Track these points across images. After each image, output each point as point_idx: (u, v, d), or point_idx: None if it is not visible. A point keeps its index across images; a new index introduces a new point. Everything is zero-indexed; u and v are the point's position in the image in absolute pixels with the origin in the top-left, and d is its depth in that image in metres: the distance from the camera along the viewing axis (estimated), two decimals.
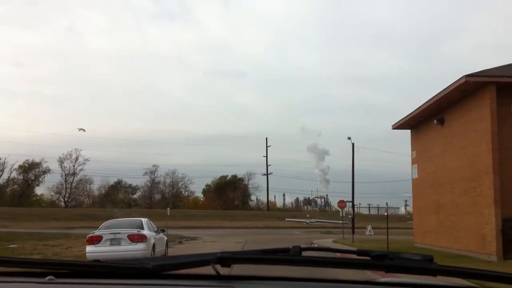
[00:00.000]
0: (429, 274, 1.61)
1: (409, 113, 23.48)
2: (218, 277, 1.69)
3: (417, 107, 22.51)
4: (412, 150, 25.26)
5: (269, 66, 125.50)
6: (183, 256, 1.76)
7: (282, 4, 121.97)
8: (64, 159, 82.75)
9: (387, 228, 21.97)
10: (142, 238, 15.60)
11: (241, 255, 1.71)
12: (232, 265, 1.65)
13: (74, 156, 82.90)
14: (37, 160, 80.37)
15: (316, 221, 72.48)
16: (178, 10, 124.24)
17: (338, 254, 2.03)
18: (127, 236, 15.58)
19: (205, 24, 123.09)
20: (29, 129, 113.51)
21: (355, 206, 52.76)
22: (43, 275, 1.67)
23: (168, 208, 35.36)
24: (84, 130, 78.46)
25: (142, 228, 16.39)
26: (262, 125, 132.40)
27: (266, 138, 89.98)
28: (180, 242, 31.60)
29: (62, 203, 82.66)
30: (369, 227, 46.06)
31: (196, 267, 1.66)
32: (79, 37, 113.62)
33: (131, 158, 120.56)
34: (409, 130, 25.56)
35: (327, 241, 31.47)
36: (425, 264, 1.60)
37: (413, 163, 25.21)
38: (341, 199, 37.12)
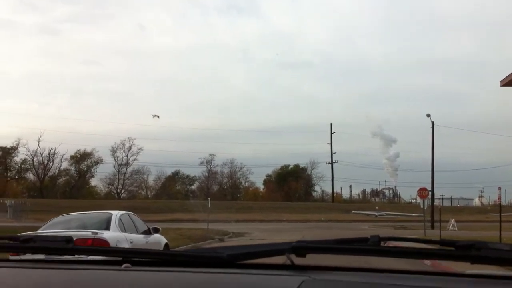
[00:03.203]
0: None
1: None
2: (292, 267, 1.64)
3: None
4: None
5: (335, 56, 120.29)
6: (257, 246, 1.74)
7: None
8: (117, 149, 79.18)
9: (500, 221, 14.98)
10: (100, 245, 9.44)
11: (317, 245, 1.68)
12: (306, 255, 1.61)
13: (127, 145, 79.20)
14: (88, 150, 77.34)
15: (386, 214, 65.46)
16: (244, 4, 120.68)
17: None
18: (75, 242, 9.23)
19: (271, 16, 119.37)
20: (87, 119, 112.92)
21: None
22: (119, 263, 1.69)
23: (209, 199, 29.63)
24: (158, 117, 74.63)
25: (107, 228, 10.30)
26: (328, 116, 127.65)
27: (331, 124, 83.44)
28: (221, 240, 25.87)
29: (116, 195, 79.26)
30: (452, 221, 38.84)
31: (270, 256, 1.63)
32: (146, 35, 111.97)
33: (188, 149, 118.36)
34: None
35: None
36: None
37: None
38: (422, 186, 29.96)
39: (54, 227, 10.37)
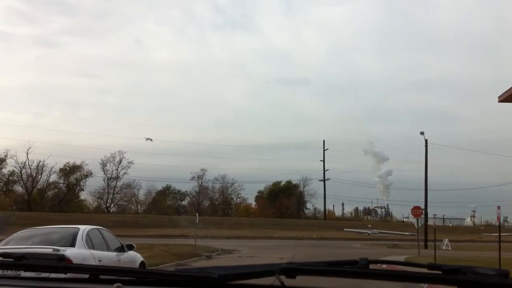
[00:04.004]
0: None
1: None
2: None
3: None
4: None
5: (331, 73, 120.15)
6: (248, 266, 1.73)
7: (343, 10, 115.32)
8: (107, 162, 77.97)
9: (500, 241, 14.31)
10: None
11: (307, 267, 1.68)
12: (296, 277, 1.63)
13: (117, 159, 78.06)
14: (77, 162, 76.13)
15: (379, 232, 64.74)
16: (240, 20, 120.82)
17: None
18: None
19: (266, 33, 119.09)
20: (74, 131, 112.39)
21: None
22: (111, 282, 1.71)
23: (197, 215, 28.90)
24: (151, 140, 74.05)
25: (73, 244, 9.46)
26: (321, 133, 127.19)
27: (324, 141, 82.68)
28: (208, 257, 25.02)
29: (105, 209, 77.99)
30: (445, 241, 38.27)
31: (261, 277, 1.64)
32: (143, 49, 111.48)
33: (180, 164, 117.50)
34: None
35: (399, 259, 23.93)
36: (500, 279, 1.52)
37: None
38: (416, 205, 29.30)
39: (15, 243, 9.53)
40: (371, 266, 1.62)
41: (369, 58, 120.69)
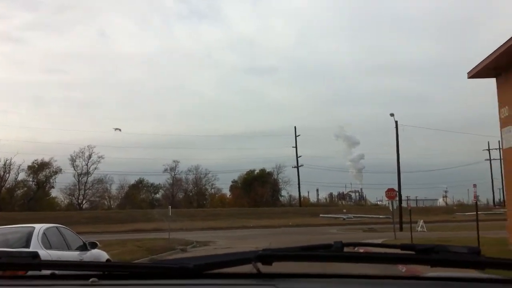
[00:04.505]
0: (477, 268, 1.57)
1: (497, 48, 15.51)
2: (259, 275, 1.68)
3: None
4: (502, 106, 17.03)
5: (299, 60, 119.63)
6: (224, 255, 1.76)
7: None
8: (76, 157, 76.31)
9: (477, 221, 14.12)
10: None
11: (282, 253, 1.71)
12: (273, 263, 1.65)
13: (87, 153, 76.45)
14: (46, 159, 74.34)
15: (354, 217, 64.97)
16: (206, 9, 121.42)
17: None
18: None
19: (233, 22, 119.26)
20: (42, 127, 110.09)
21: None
22: (86, 277, 1.69)
23: (170, 207, 28.22)
24: (120, 130, 72.51)
25: (27, 245, 8.76)
26: (293, 120, 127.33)
27: (295, 127, 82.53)
28: (183, 250, 24.48)
29: (77, 206, 76.50)
30: (420, 222, 38.45)
31: (237, 265, 1.66)
32: (108, 41, 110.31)
33: (152, 156, 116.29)
34: (494, 78, 17.47)
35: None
36: (472, 257, 1.56)
37: (503, 125, 17.02)
38: (389, 187, 29.18)
39: None
40: (346, 249, 1.64)
41: (336, 43, 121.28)
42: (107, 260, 11.83)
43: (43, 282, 1.73)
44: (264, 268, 1.66)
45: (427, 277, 1.73)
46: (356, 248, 2.23)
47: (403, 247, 1.64)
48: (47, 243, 9.30)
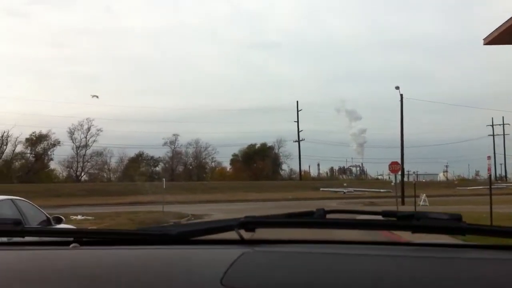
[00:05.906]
0: (458, 233, 1.58)
1: None
2: (241, 241, 1.69)
3: None
4: None
5: (301, 35, 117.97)
6: (208, 222, 1.79)
7: None
8: (75, 130, 75.44)
9: (491, 195, 13.12)
10: None
11: (264, 219, 1.71)
12: (255, 230, 1.67)
13: (85, 126, 75.56)
14: (44, 132, 73.48)
15: (354, 191, 64.27)
16: None
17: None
18: None
19: None
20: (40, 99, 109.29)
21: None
22: (67, 243, 1.71)
23: (164, 179, 27.55)
24: (97, 97, 70.95)
25: None
26: (295, 95, 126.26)
27: (297, 102, 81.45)
28: (176, 224, 23.62)
29: (75, 178, 75.92)
30: (423, 196, 37.63)
31: (220, 232, 1.68)
32: (112, 16, 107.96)
33: (152, 130, 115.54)
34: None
35: None
36: (453, 223, 1.56)
37: None
38: (393, 161, 28.21)
39: None
40: (328, 216, 1.65)
41: (341, 19, 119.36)
42: None
43: (24, 248, 1.71)
44: (247, 235, 1.65)
45: (408, 242, 1.77)
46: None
47: (384, 214, 1.63)
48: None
